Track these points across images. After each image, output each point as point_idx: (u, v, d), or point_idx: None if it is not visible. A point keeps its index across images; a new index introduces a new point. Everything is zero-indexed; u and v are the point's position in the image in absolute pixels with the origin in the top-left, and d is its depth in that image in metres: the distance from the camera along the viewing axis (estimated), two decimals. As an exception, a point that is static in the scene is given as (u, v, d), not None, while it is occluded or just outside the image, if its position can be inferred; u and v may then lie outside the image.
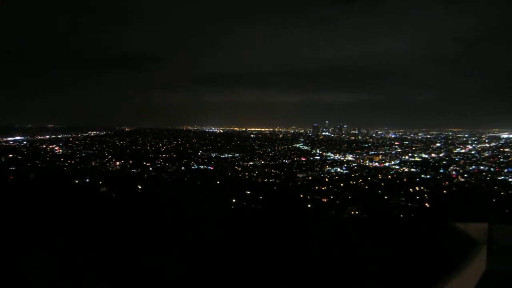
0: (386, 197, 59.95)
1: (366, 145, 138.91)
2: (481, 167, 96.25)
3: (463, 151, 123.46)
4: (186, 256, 9.65)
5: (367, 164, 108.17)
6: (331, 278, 8.81)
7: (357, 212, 48.29)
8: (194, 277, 8.55)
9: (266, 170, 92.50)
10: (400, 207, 53.26)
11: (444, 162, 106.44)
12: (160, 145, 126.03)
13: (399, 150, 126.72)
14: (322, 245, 11.06)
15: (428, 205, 54.91)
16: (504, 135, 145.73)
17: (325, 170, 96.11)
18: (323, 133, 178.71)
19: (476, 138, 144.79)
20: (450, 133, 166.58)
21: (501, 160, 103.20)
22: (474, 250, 8.69)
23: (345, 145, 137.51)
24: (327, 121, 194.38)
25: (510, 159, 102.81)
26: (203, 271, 8.87)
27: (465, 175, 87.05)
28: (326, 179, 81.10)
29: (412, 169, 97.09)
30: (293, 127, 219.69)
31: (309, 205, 53.82)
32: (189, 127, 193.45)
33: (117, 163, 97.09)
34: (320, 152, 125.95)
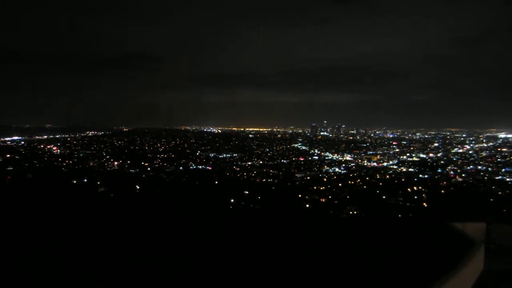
0: (384, 197, 60.02)
1: (364, 145, 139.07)
2: (479, 167, 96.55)
3: (461, 151, 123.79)
4: (184, 256, 9.64)
5: (365, 164, 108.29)
6: (330, 278, 8.82)
7: (355, 212, 48.34)
8: (193, 278, 8.54)
9: (264, 170, 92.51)
10: (398, 207, 53.33)
11: (442, 162, 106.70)
12: (158, 145, 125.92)
13: (397, 150, 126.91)
14: (320, 245, 11.07)
15: (426, 205, 54.98)
16: (502, 135, 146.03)
17: (323, 170, 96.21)
18: (322, 133, 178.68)
19: (474, 138, 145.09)
20: (448, 133, 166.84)
21: (498, 160, 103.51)
22: (472, 250, 8.72)
23: (343, 145, 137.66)
24: (325, 121, 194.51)
25: (508, 159, 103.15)
26: (201, 271, 8.86)
27: (463, 175, 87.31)
28: (324, 179, 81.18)
29: (410, 169, 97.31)
30: (291, 127, 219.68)
31: (307, 205, 53.84)
32: (187, 127, 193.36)
33: (115, 163, 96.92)
34: (318, 152, 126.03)
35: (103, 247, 10.03)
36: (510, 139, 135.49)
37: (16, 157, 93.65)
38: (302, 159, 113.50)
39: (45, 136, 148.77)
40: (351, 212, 48.22)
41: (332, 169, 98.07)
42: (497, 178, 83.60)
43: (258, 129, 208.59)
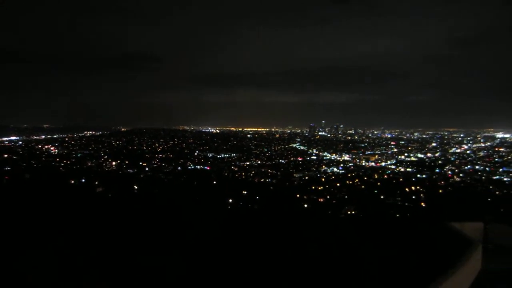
0: (382, 197, 60.19)
1: (363, 145, 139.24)
2: (477, 167, 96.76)
3: (458, 150, 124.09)
4: (183, 257, 9.63)
5: (364, 164, 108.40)
6: (328, 278, 8.82)
7: (353, 212, 48.45)
8: (191, 278, 8.54)
9: (263, 170, 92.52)
10: (396, 206, 53.48)
11: (439, 161, 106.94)
12: (157, 145, 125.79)
13: (395, 150, 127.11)
14: (318, 245, 11.07)
15: (424, 205, 55.17)
16: (499, 135, 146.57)
17: (322, 170, 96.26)
18: (320, 133, 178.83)
19: (471, 138, 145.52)
20: (446, 133, 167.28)
21: (496, 159, 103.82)
22: (469, 250, 8.73)
23: (341, 145, 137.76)
24: (323, 121, 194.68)
25: (505, 158, 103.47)
26: (200, 271, 8.86)
27: (461, 175, 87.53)
28: (323, 179, 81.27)
29: (408, 169, 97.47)
30: (290, 127, 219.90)
31: (305, 205, 53.94)
32: (186, 127, 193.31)
33: (113, 163, 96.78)
34: (317, 152, 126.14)
35: (101, 248, 10.01)
36: (507, 139, 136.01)
37: (14, 157, 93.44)
38: (300, 159, 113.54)
39: (43, 136, 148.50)
40: (349, 212, 48.33)
41: (330, 169, 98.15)
42: (494, 178, 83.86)
43: (256, 129, 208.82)
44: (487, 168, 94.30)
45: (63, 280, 7.99)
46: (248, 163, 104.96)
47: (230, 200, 52.28)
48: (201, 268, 9.00)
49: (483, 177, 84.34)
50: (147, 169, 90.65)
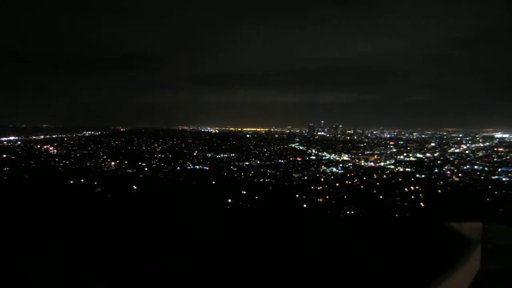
0: (381, 197, 60.20)
1: (362, 145, 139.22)
2: (475, 167, 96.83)
3: (457, 150, 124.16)
4: (182, 256, 9.63)
5: (363, 164, 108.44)
6: (327, 277, 8.84)
7: (352, 212, 48.47)
8: (191, 277, 8.54)
9: (262, 170, 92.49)
10: (395, 206, 53.51)
11: (438, 161, 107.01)
12: (156, 145, 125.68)
13: (394, 150, 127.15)
14: (318, 244, 11.08)
15: (423, 205, 55.22)
16: (498, 135, 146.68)
17: (321, 170, 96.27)
18: (319, 133, 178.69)
19: (470, 137, 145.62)
20: (445, 133, 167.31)
21: (495, 159, 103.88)
22: (468, 249, 8.75)
23: (340, 145, 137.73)
24: (322, 121, 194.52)
25: (504, 158, 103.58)
26: (199, 271, 8.86)
27: (460, 175, 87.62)
28: (322, 179, 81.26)
29: (407, 169, 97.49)
30: (289, 127, 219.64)
31: (304, 205, 53.94)
32: (185, 127, 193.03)
33: (112, 163, 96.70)
34: (316, 152, 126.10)
35: (101, 247, 10.01)
36: (506, 139, 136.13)
37: (13, 157, 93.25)
38: (299, 159, 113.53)
39: (42, 136, 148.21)
40: (348, 212, 48.35)
41: (330, 169, 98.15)
42: (493, 177, 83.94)
43: (255, 129, 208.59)
44: (486, 168, 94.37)
45: (63, 280, 7.99)
46: (247, 163, 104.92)
47: (229, 200, 52.26)
48: (200, 268, 9.00)
49: (482, 177, 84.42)
50: (146, 169, 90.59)
